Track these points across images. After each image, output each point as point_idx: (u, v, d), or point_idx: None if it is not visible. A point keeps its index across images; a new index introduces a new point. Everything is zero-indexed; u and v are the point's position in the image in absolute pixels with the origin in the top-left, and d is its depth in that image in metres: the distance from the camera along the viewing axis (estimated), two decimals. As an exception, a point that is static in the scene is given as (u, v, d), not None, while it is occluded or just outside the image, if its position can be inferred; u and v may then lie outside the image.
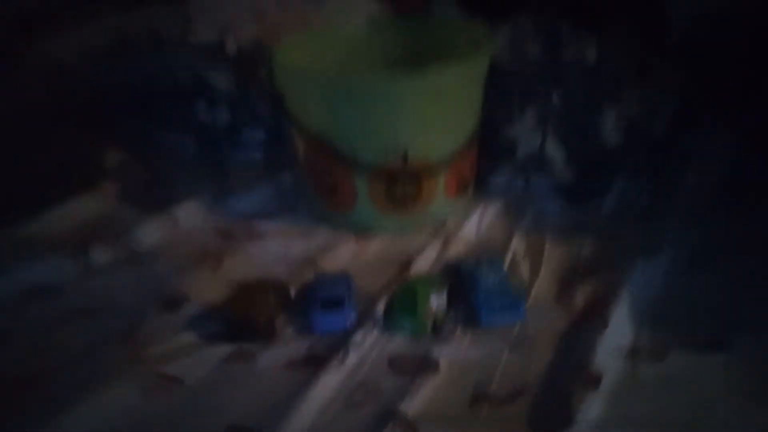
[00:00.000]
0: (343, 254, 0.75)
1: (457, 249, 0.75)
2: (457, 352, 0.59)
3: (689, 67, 0.80)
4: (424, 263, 0.73)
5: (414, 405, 0.53)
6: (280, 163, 0.95)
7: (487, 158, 0.87)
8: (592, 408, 0.51)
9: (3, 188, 0.85)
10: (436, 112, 0.73)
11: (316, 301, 0.63)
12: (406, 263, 0.72)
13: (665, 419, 0.51)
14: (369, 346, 0.60)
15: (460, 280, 0.68)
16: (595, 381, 0.54)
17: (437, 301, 0.63)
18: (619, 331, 0.60)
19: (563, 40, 0.99)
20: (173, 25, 1.19)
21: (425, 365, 0.57)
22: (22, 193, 0.85)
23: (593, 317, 0.62)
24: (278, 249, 0.76)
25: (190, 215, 0.82)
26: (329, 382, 0.55)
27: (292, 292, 0.67)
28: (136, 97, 1.02)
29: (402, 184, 0.76)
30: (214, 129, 1.00)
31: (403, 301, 0.62)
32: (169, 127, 1.01)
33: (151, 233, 0.78)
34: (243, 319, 0.61)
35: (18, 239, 0.76)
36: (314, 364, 0.58)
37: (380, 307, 0.64)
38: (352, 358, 0.58)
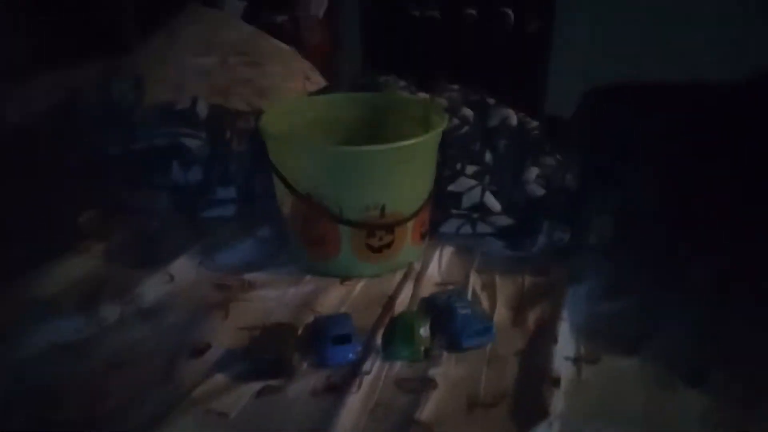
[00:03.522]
0: (333, 297, 0.87)
1: (426, 287, 0.90)
2: (447, 370, 0.73)
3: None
4: (403, 300, 0.87)
5: (426, 414, 0.66)
6: (254, 218, 1.05)
7: (438, 210, 1.04)
8: (558, 402, 0.68)
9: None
10: (406, 175, 0.90)
11: (327, 338, 0.74)
12: (389, 302, 0.86)
13: (605, 406, 0.68)
14: (376, 373, 0.72)
15: (437, 312, 0.82)
16: (556, 382, 0.70)
17: (424, 332, 0.77)
18: (565, 344, 0.77)
19: (488, 110, 1.21)
20: (126, 84, 1.26)
21: (425, 383, 0.71)
22: (7, 255, 0.87)
23: (545, 335, 0.79)
24: (274, 296, 0.86)
25: (184, 271, 0.90)
26: (352, 405, 0.66)
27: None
28: (109, 159, 1.07)
29: (379, 234, 0.90)
30: (188, 188, 1.07)
31: (400, 334, 0.76)
32: (143, 187, 1.07)
33: (151, 290, 0.84)
34: (268, 359, 0.70)
35: (19, 300, 0.79)
36: (334, 391, 0.69)
37: (378, 339, 0.77)
38: (366, 384, 0.70)
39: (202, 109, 1.14)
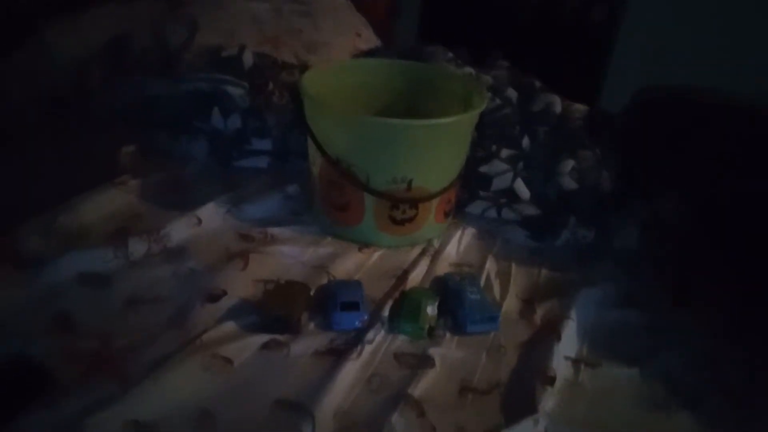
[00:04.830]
0: (349, 263, 0.89)
1: (442, 266, 0.91)
2: (447, 352, 0.75)
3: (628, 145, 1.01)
4: (416, 276, 0.88)
5: (418, 390, 0.68)
6: (285, 174, 1.07)
7: (466, 190, 1.03)
8: (548, 401, 0.69)
9: (31, 178, 0.91)
10: (438, 151, 0.89)
11: (336, 303, 0.77)
12: (403, 276, 0.87)
13: (595, 413, 0.69)
14: (378, 344, 0.75)
15: (447, 293, 0.83)
16: (550, 381, 0.72)
17: (431, 311, 0.79)
18: (568, 344, 0.78)
19: (534, 93, 1.18)
20: (180, 25, 1.27)
21: (424, 361, 0.73)
22: (50, 183, 0.92)
23: (549, 332, 0.80)
24: (293, 254, 0.89)
25: (212, 217, 0.93)
26: (349, 371, 0.69)
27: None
28: (154, 99, 1.10)
29: (403, 207, 0.91)
30: (226, 135, 1.09)
31: (407, 309, 0.78)
32: (184, 129, 1.09)
33: (179, 231, 0.88)
34: (277, 315, 0.74)
35: (55, 227, 0.84)
36: (335, 355, 0.72)
37: (385, 312, 0.79)
38: (366, 352, 0.72)
39: (248, 59, 1.15)
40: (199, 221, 0.91)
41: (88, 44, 1.19)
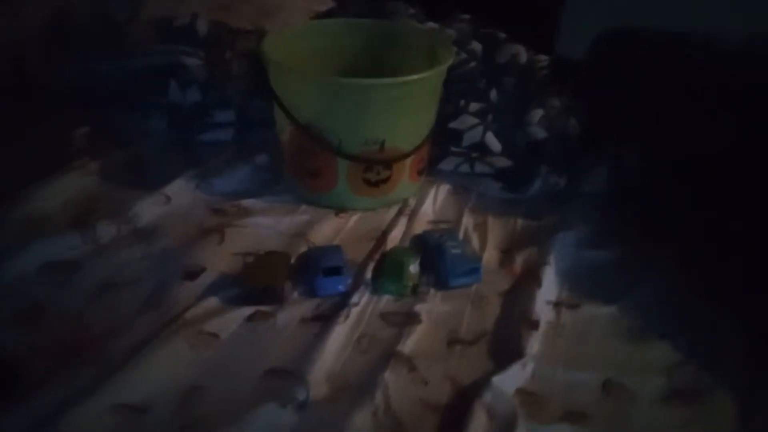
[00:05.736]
0: (327, 229, 0.88)
1: (420, 224, 0.91)
2: (433, 307, 0.76)
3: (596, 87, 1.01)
4: (395, 236, 0.88)
5: (407, 347, 0.69)
6: (252, 144, 1.04)
7: (437, 146, 1.03)
8: (534, 345, 0.71)
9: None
10: (408, 110, 0.88)
11: (318, 269, 0.76)
12: (382, 237, 0.87)
13: (578, 352, 0.72)
14: (364, 305, 0.75)
15: (428, 250, 0.84)
16: (534, 325, 0.73)
17: (414, 268, 0.79)
18: (548, 288, 0.80)
19: (498, 45, 1.17)
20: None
21: (410, 318, 0.73)
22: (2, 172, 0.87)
23: (530, 279, 0.81)
24: (269, 224, 0.87)
25: (181, 194, 0.90)
26: (338, 334, 0.69)
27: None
28: (104, 76, 1.05)
29: (377, 169, 0.90)
30: (185, 109, 1.05)
31: (390, 269, 0.78)
32: (139, 106, 1.05)
33: (148, 210, 0.85)
34: (260, 286, 0.73)
35: (15, 217, 0.80)
36: (322, 320, 0.72)
37: (368, 273, 0.79)
38: (353, 315, 0.73)
39: (202, 27, 1.10)
40: (168, 199, 0.89)
41: (26, 23, 1.11)
